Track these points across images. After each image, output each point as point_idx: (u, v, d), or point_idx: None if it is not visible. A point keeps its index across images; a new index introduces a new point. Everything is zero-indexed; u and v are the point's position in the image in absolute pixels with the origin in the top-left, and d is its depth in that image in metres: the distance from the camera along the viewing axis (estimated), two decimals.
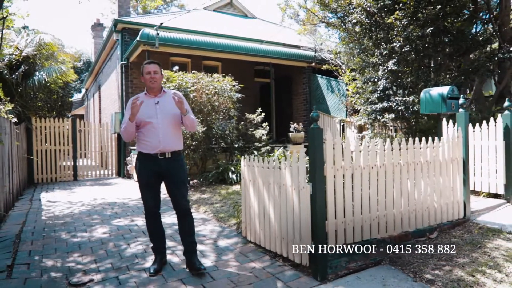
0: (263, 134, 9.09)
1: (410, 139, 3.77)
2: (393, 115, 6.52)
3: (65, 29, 58.95)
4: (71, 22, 61.88)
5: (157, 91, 3.33)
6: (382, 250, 3.48)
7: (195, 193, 6.89)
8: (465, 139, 4.15)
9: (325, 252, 3.09)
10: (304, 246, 3.15)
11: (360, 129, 9.29)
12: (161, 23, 9.13)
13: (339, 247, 3.22)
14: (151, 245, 3.48)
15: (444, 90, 4.57)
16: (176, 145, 3.30)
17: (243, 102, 11.06)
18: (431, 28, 5.79)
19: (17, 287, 3.13)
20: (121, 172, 10.81)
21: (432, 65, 6.99)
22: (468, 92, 7.98)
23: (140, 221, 5.11)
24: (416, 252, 3.48)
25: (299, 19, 10.40)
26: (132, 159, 9.90)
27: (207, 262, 3.58)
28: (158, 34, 8.95)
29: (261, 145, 8.90)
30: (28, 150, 9.67)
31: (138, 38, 9.05)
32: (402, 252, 3.50)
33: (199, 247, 4.01)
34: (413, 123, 6.92)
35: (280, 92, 13.27)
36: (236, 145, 8.54)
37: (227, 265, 3.50)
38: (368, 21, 6.80)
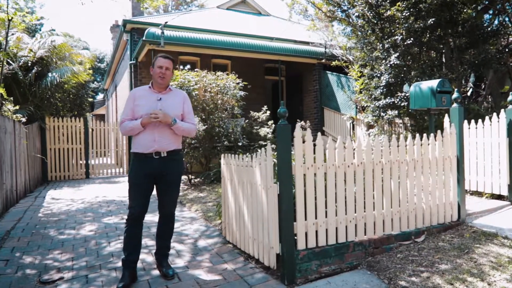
0: (268, 133, 8.95)
1: (394, 136, 3.54)
2: (396, 112, 6.22)
3: (92, 32, 60.82)
4: (98, 25, 63.79)
5: (162, 88, 3.16)
6: (361, 253, 3.29)
7: (193, 191, 6.86)
8: (459, 136, 3.86)
9: (293, 255, 2.94)
10: (272, 248, 3.01)
11: (370, 127, 8.97)
12: (166, 22, 9.16)
13: (310, 250, 3.06)
14: (115, 262, 3.16)
15: (434, 83, 4.25)
16: (173, 145, 3.12)
17: (253, 100, 10.97)
18: (433, 19, 5.47)
19: None
20: None
21: (440, 58, 6.62)
22: (482, 87, 7.53)
23: None
24: (396, 256, 3.27)
25: (307, 14, 10.15)
26: None
27: (180, 262, 3.51)
28: (163, 33, 8.99)
29: (265, 143, 8.76)
30: (42, 149, 9.97)
31: (143, 38, 9.12)
32: (382, 256, 3.30)
33: (178, 246, 3.96)
34: (420, 119, 6.58)
35: (291, 89, 13.08)
36: (240, 144, 8.44)
37: (199, 266, 3.42)
38: (371, 14, 6.52)
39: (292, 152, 3.02)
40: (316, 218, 3.10)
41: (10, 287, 3.09)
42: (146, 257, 3.66)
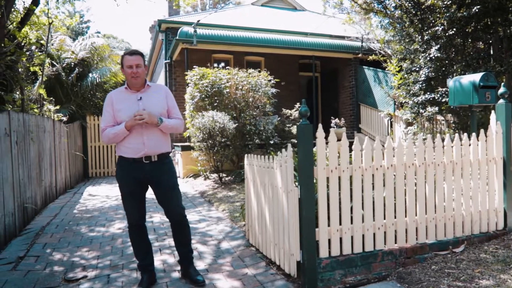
0: None
1: (429, 135, 3.24)
2: (437, 108, 5.79)
3: (135, 33, 63.22)
4: (141, 27, 66.18)
5: (139, 86, 2.90)
6: (390, 263, 3.04)
7: (223, 190, 6.82)
8: (506, 135, 3.47)
9: (314, 263, 2.76)
10: (292, 255, 2.85)
11: (409, 124, 8.48)
12: (198, 21, 9.19)
13: (333, 258, 2.86)
14: (137, 262, 3.08)
15: (476, 77, 3.84)
16: (163, 147, 2.93)
17: (287, 97, 10.78)
18: (479, 7, 4.99)
19: (16, 278, 3.27)
20: None
21: (487, 50, 6.08)
22: None
23: (158, 218, 5.15)
24: (431, 268, 2.99)
25: (343, 7, 9.78)
26: (174, 155, 10.15)
27: (201, 265, 3.44)
28: (195, 31, 9.03)
29: (297, 141, 8.55)
30: (83, 147, 10.41)
31: (177, 37, 9.22)
32: (414, 267, 3.03)
33: (201, 248, 3.91)
34: (464, 116, 6.08)
35: (325, 86, 12.73)
36: (272, 142, 8.30)
37: (219, 269, 3.33)
38: (409, 4, 6.11)
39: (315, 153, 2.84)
40: (340, 224, 2.90)
41: (37, 283, 3.17)
42: (168, 258, 3.63)
